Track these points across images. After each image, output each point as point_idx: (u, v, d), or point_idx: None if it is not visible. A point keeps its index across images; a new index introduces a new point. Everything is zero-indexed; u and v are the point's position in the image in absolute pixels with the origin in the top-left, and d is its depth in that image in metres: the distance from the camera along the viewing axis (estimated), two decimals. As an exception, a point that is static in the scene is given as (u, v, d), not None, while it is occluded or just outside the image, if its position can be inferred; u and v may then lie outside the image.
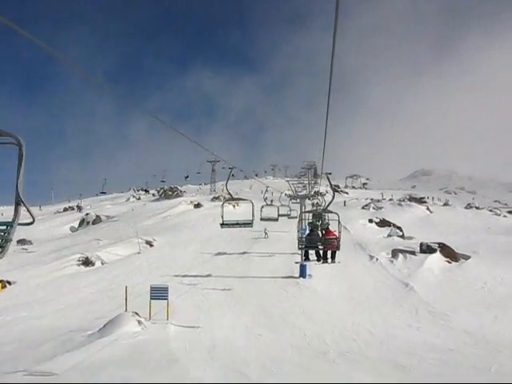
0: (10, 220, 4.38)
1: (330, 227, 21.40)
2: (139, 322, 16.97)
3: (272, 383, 11.98)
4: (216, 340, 16.07)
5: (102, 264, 34.83)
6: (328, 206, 19.68)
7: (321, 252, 21.57)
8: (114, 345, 14.79)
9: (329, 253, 21.34)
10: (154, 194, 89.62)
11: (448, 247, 31.40)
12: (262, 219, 31.99)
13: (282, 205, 32.58)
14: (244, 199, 22.07)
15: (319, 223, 24.06)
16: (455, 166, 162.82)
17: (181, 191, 76.13)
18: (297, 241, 19.12)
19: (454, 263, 29.56)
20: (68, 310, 23.26)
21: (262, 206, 31.21)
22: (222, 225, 20.25)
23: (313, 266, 28.73)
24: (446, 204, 66.90)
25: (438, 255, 30.10)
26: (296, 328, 17.66)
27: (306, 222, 26.79)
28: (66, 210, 79.13)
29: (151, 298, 19.26)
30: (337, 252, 20.89)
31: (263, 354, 14.56)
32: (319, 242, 19.53)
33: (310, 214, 26.26)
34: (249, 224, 19.69)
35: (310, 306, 21.19)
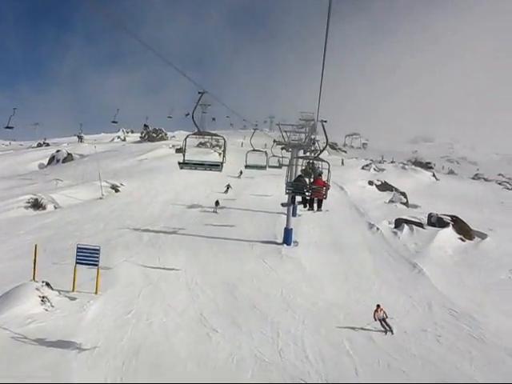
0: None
1: (323, 176, 19.46)
2: (43, 300, 11.89)
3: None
4: (147, 338, 11.03)
5: (56, 208, 29.63)
6: (319, 154, 18.93)
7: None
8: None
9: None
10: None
11: (462, 222, 26.42)
12: (247, 166, 26.46)
13: (273, 155, 27.46)
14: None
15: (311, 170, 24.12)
16: (458, 135, 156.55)
17: (165, 134, 70.24)
18: (284, 185, 18.90)
19: (468, 241, 24.66)
20: (-14, 266, 18.28)
21: (248, 152, 26.19)
22: None
23: (300, 232, 24.02)
24: (451, 172, 61.91)
25: (450, 230, 25.15)
26: (268, 322, 12.68)
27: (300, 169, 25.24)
28: (40, 145, 73.14)
29: (77, 263, 14.39)
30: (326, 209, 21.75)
31: (205, 375, 9.58)
32: (306, 188, 18.45)
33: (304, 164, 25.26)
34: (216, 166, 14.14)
35: (291, 286, 16.28)
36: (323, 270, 18.57)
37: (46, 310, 11.73)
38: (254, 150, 25.26)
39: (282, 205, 23.27)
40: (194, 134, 14.68)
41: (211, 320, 12.59)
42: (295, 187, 18.96)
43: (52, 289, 12.88)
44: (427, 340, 12.05)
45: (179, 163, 13.97)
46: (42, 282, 12.88)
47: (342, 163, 54.31)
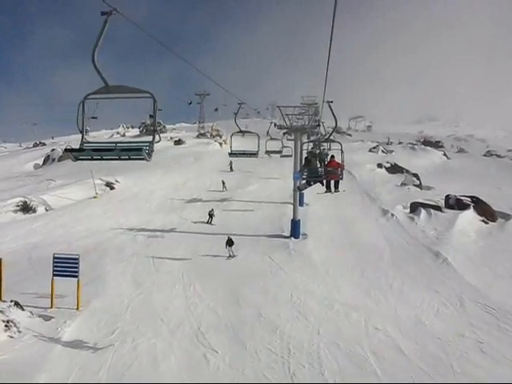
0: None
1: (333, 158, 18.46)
2: (7, 325, 9.97)
3: None
4: (131, 367, 9.13)
5: (47, 210, 27.78)
6: (330, 135, 18.62)
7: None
8: None
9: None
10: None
11: (483, 202, 24.37)
12: (231, 154, 22.31)
13: (271, 138, 25.38)
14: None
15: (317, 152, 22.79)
16: (463, 112, 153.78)
17: (164, 127, 68.28)
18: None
19: (491, 224, 22.62)
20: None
21: (232, 134, 22.12)
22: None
23: (308, 223, 22.10)
24: (461, 150, 59.54)
25: (471, 213, 23.12)
26: (276, 336, 10.78)
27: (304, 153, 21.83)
28: (36, 145, 71.26)
29: (54, 275, 12.51)
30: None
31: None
32: (320, 172, 18.18)
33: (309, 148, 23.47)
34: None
35: (302, 286, 14.39)
36: (336, 265, 16.66)
37: (11, 336, 9.85)
38: (240, 132, 20.58)
39: (299, 188, 21.31)
40: (98, 91, 7.36)
41: (210, 337, 10.69)
42: (310, 172, 18.17)
43: (23, 309, 10.98)
44: (467, 349, 10.08)
45: (66, 150, 7.79)
46: (11, 301, 10.97)
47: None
